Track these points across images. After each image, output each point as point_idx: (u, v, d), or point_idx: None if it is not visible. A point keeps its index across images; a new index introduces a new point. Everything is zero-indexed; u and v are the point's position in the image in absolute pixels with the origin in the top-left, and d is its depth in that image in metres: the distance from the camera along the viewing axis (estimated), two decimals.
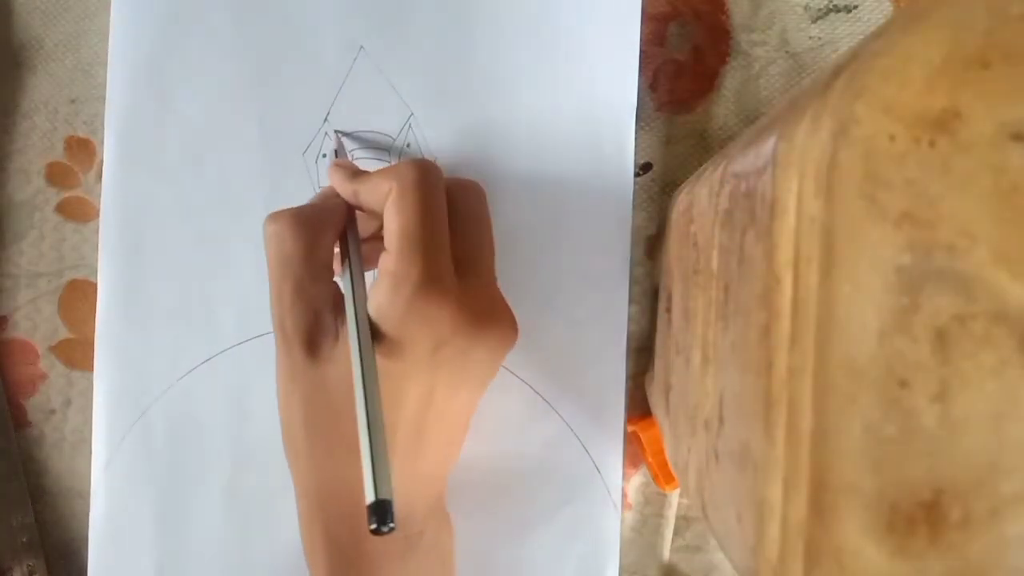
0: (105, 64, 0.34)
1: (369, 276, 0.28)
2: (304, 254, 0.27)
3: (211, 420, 0.34)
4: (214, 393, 0.34)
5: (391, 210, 0.26)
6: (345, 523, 0.27)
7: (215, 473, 0.34)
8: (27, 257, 0.35)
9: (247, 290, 0.34)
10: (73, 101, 0.35)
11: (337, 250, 0.28)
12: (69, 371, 0.35)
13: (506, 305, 0.29)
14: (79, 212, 0.35)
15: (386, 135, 0.34)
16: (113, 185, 0.34)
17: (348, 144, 0.34)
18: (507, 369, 0.33)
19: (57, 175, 0.35)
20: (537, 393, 0.33)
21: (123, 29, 0.34)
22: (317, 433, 0.27)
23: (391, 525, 0.21)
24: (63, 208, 0.35)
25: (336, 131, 0.34)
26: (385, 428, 0.23)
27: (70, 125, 0.35)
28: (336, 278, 0.28)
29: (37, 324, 0.35)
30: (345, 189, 0.28)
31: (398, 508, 0.22)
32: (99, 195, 0.34)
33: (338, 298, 0.27)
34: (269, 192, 0.34)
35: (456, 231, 0.27)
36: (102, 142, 0.34)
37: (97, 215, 0.34)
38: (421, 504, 0.29)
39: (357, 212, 0.29)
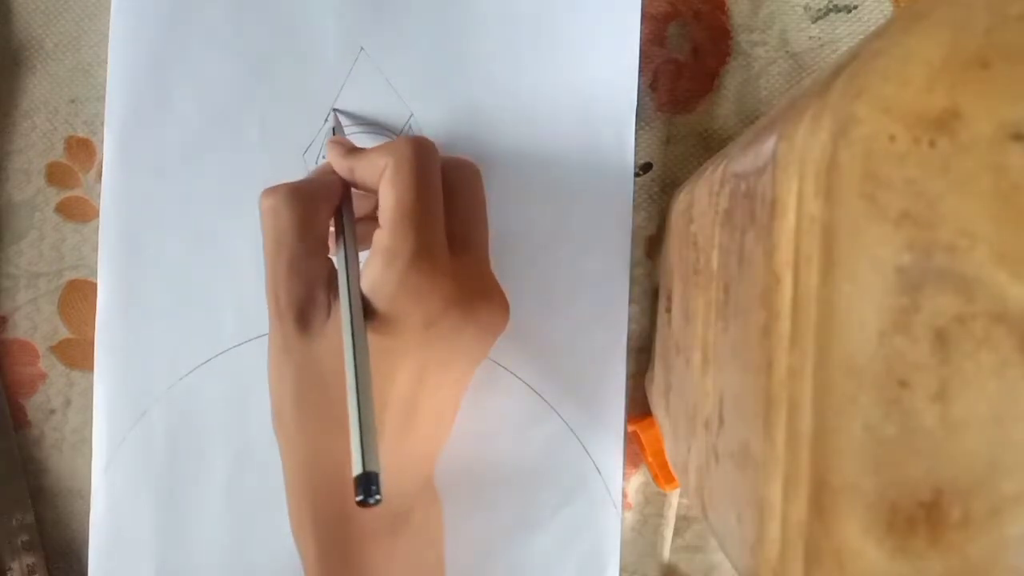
0: (105, 64, 0.34)
1: (364, 256, 0.28)
2: (299, 229, 0.27)
3: (211, 420, 0.34)
4: (214, 394, 0.34)
5: (386, 185, 0.26)
6: (334, 499, 0.27)
7: (215, 473, 0.34)
8: (27, 257, 0.35)
9: (247, 290, 0.34)
10: (73, 101, 0.35)
11: (332, 227, 0.28)
12: (69, 371, 0.35)
13: (498, 286, 0.29)
14: (79, 212, 0.35)
15: (381, 127, 0.34)
16: (113, 185, 0.34)
17: (349, 125, 0.34)
18: (507, 370, 0.33)
19: (57, 175, 0.35)
20: (537, 393, 0.33)
21: (123, 29, 0.34)
22: (307, 408, 0.27)
23: (377, 497, 0.21)
24: (63, 208, 0.35)
25: (335, 109, 0.34)
26: (375, 403, 0.23)
27: (70, 125, 0.35)
28: (331, 255, 0.28)
29: (37, 324, 0.35)
30: (341, 165, 0.28)
31: (387, 486, 0.22)
32: (99, 195, 0.34)
33: (332, 274, 0.28)
34: None
35: (450, 209, 0.27)
36: (102, 142, 0.34)
37: (97, 215, 0.34)
38: (410, 482, 0.29)
39: (354, 192, 0.29)
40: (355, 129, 0.34)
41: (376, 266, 0.26)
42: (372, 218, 0.28)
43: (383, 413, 0.27)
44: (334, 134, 0.33)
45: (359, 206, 0.29)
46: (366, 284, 0.26)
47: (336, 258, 0.27)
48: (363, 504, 0.21)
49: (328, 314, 0.27)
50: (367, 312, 0.25)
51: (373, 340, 0.25)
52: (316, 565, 0.27)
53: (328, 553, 0.27)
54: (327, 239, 0.28)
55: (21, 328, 0.35)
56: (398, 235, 0.25)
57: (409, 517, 0.29)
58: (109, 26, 0.34)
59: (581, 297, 0.33)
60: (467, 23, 0.34)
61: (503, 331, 0.29)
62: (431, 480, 0.31)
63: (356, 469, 0.22)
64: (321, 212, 0.28)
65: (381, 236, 0.26)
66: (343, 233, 0.28)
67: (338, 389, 0.24)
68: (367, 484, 0.21)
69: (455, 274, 0.26)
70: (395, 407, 0.27)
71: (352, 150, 0.29)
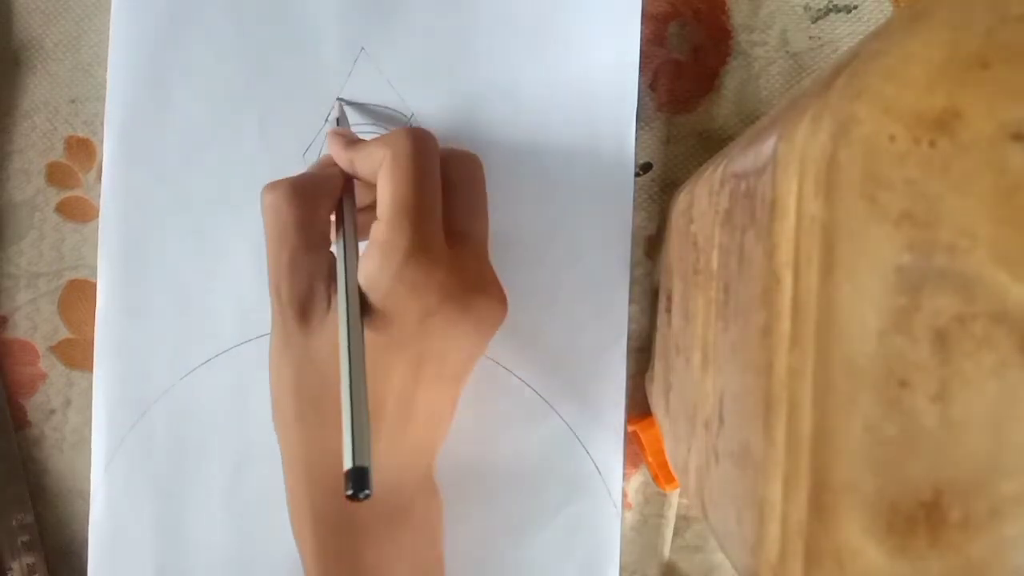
0: (105, 64, 0.34)
1: (364, 246, 0.28)
2: (300, 224, 0.27)
3: (211, 420, 0.34)
4: (214, 394, 0.34)
5: (383, 178, 0.26)
6: (332, 494, 0.27)
7: (215, 473, 0.34)
8: (27, 257, 0.35)
9: (247, 290, 0.34)
10: (73, 101, 0.35)
11: (333, 219, 0.28)
12: (69, 371, 0.35)
13: (496, 279, 0.29)
14: (79, 212, 0.35)
15: (391, 109, 0.34)
16: (113, 185, 0.34)
17: (356, 118, 0.34)
18: (507, 370, 0.33)
19: (57, 175, 0.35)
20: (537, 393, 0.33)
21: (123, 29, 0.34)
22: (306, 402, 0.27)
23: (367, 492, 0.21)
24: (63, 208, 0.35)
25: (339, 99, 0.34)
26: (368, 397, 0.23)
27: (70, 125, 0.35)
28: (333, 248, 0.28)
29: (37, 324, 0.35)
30: (341, 157, 0.28)
31: (386, 481, 0.21)
32: (99, 195, 0.34)
33: (333, 268, 0.27)
34: None
35: (450, 201, 0.27)
36: (102, 142, 0.34)
37: (97, 215, 0.34)
38: (409, 477, 0.29)
39: (356, 182, 0.29)
40: (360, 121, 0.34)
41: (373, 260, 0.25)
42: (373, 208, 0.28)
43: (380, 409, 0.27)
44: (338, 124, 0.32)
45: (362, 196, 0.29)
46: (363, 278, 0.26)
47: (335, 251, 0.27)
48: (353, 498, 0.21)
49: (328, 308, 0.27)
50: (364, 307, 0.25)
51: (370, 336, 0.25)
52: (315, 562, 0.27)
53: (327, 550, 0.27)
54: (328, 233, 0.28)
55: (21, 328, 0.35)
56: (394, 229, 0.25)
57: (409, 513, 0.29)
58: (109, 26, 0.34)
59: (581, 297, 0.33)
60: (467, 23, 0.34)
61: (501, 324, 0.28)
62: (431, 474, 0.31)
63: (347, 463, 0.22)
64: (322, 207, 0.28)
65: (378, 230, 0.26)
66: (342, 227, 0.28)
67: (336, 384, 0.24)
68: (357, 478, 0.21)
69: (452, 267, 0.26)
70: (392, 402, 0.27)
71: (352, 142, 0.29)
